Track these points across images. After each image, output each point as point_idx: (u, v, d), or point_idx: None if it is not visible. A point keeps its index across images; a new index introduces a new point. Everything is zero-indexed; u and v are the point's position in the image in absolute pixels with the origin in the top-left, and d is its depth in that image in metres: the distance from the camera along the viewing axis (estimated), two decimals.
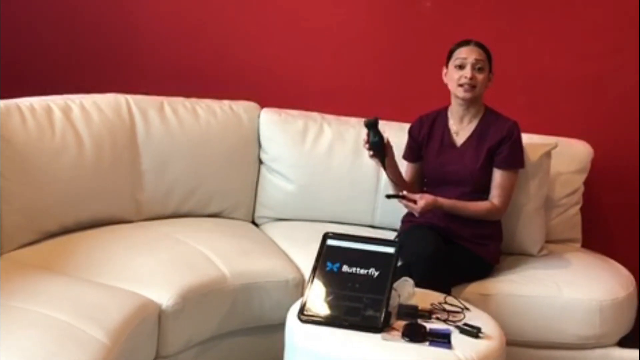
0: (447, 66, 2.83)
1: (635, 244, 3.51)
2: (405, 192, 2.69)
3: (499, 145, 2.79)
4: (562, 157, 3.11)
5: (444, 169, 2.85)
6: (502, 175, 2.80)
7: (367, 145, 2.69)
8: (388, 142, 2.72)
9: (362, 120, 3.23)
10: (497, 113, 2.86)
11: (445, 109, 2.91)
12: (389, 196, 2.70)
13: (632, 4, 3.42)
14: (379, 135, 2.67)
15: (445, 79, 2.84)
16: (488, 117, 2.85)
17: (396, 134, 2.97)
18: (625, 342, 2.81)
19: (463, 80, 2.74)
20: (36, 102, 2.77)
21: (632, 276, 2.95)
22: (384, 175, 3.01)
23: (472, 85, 2.74)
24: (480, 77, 2.75)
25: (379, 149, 2.68)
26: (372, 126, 2.67)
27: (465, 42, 2.80)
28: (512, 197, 2.85)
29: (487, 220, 2.82)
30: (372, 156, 2.70)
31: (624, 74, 3.48)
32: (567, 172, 3.20)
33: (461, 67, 2.75)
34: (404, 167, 2.95)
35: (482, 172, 2.81)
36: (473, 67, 2.74)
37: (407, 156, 2.97)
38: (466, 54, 2.76)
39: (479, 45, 2.78)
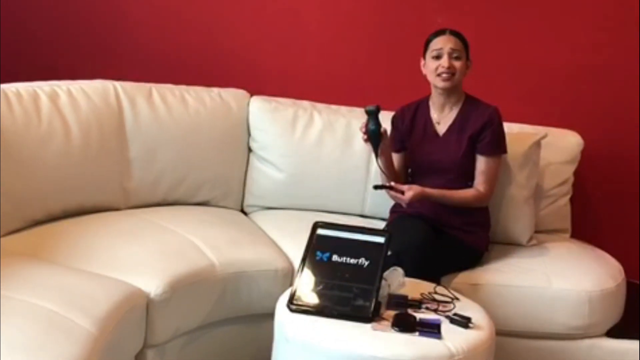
0: (424, 57, 2.84)
1: (624, 234, 3.52)
2: (393, 183, 2.68)
3: (481, 132, 2.79)
4: (552, 148, 3.12)
5: (428, 158, 2.85)
6: (486, 162, 2.80)
7: (364, 130, 2.68)
8: (385, 132, 2.71)
9: (352, 110, 3.26)
10: (477, 100, 2.87)
11: (426, 98, 2.91)
12: (376, 187, 2.70)
13: None
14: (378, 124, 2.66)
15: (424, 70, 2.84)
16: (468, 105, 2.85)
17: (387, 123, 2.95)
18: (614, 332, 2.82)
19: (440, 70, 2.76)
20: (22, 88, 2.74)
21: (620, 267, 2.96)
22: (374, 165, 3.00)
23: (450, 74, 2.75)
24: (457, 65, 2.76)
25: (376, 137, 2.67)
26: (372, 114, 2.65)
27: (441, 32, 2.80)
28: (497, 182, 2.85)
29: (474, 207, 2.82)
30: (366, 141, 2.69)
31: (616, 64, 3.48)
32: (557, 163, 3.20)
33: (438, 57, 2.77)
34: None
35: (466, 159, 2.81)
36: (450, 56, 2.75)
37: (391, 146, 2.96)
38: (442, 44, 2.77)
39: (454, 34, 2.78)
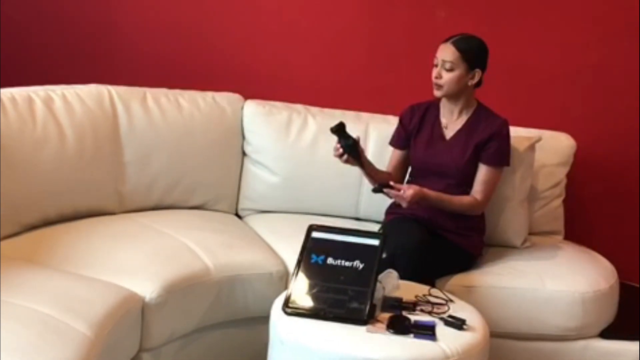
0: None
1: (617, 236, 3.54)
2: (392, 183, 2.69)
3: (487, 142, 2.80)
4: (545, 150, 3.12)
5: (431, 160, 2.85)
6: (487, 171, 2.81)
7: (340, 151, 2.63)
8: (358, 139, 2.67)
9: (346, 113, 3.26)
10: (488, 109, 2.87)
11: (438, 101, 2.91)
12: (375, 189, 2.67)
13: None
14: (351, 138, 2.62)
15: None
16: (479, 113, 2.86)
17: (380, 126, 2.97)
18: (607, 333, 2.83)
19: (433, 80, 2.78)
20: (17, 92, 2.74)
21: (613, 268, 2.97)
22: None
23: (438, 85, 2.77)
24: (447, 76, 2.75)
25: (354, 151, 2.64)
26: (339, 131, 2.61)
27: (446, 40, 2.80)
28: (494, 193, 2.85)
29: (469, 214, 2.83)
30: (346, 161, 2.66)
31: (608, 67, 3.50)
32: (550, 165, 3.21)
33: (436, 65, 2.79)
34: (390, 153, 2.96)
35: (468, 166, 2.82)
36: (441, 67, 2.76)
37: (394, 142, 2.97)
38: (438, 53, 2.78)
39: (455, 43, 2.76)
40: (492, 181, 2.82)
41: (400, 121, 2.97)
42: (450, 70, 2.75)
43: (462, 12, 3.47)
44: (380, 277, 2.29)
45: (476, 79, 2.80)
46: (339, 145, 2.64)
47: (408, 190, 2.64)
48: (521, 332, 2.75)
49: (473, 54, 2.77)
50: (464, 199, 2.79)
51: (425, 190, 2.69)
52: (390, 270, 2.36)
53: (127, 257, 2.50)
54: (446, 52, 2.76)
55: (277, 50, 3.54)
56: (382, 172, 2.89)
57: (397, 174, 2.94)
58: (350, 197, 3.19)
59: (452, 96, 2.81)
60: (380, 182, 2.70)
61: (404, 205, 2.66)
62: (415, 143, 2.91)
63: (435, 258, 2.64)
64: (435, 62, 2.78)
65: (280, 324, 2.19)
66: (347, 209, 3.21)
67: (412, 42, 3.49)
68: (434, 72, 2.77)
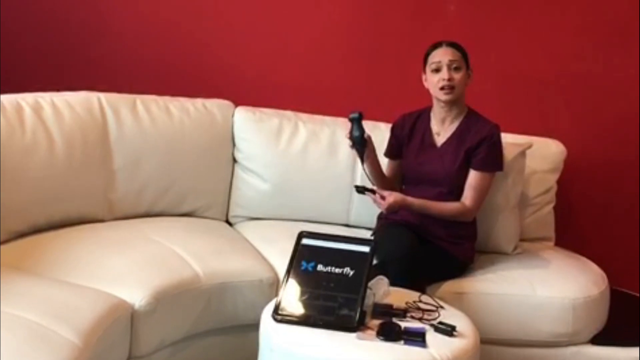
0: (424, 71, 2.83)
1: (607, 242, 3.55)
2: (375, 187, 2.69)
3: (477, 147, 2.79)
4: (535, 157, 3.13)
5: (423, 168, 2.85)
6: (477, 176, 2.80)
7: (348, 136, 2.73)
8: (369, 138, 2.75)
9: (336, 119, 3.28)
10: (478, 115, 2.86)
11: (429, 108, 2.91)
12: (358, 188, 2.71)
13: (606, 6, 3.46)
14: (361, 130, 2.71)
15: (426, 85, 2.83)
16: (469, 119, 2.85)
17: (370, 133, 2.96)
18: (598, 339, 2.84)
19: (442, 83, 2.74)
20: (6, 100, 2.73)
21: (604, 274, 2.98)
22: (358, 174, 3.05)
23: (451, 87, 2.75)
24: (457, 76, 2.75)
25: (360, 143, 2.71)
26: (356, 121, 2.72)
27: (438, 45, 2.80)
28: (484, 199, 2.84)
29: (459, 220, 2.82)
30: (351, 147, 2.74)
31: (597, 74, 3.52)
32: (541, 171, 3.22)
33: (437, 70, 2.76)
34: (385, 164, 2.96)
35: (460, 173, 2.81)
36: (449, 68, 2.74)
37: (388, 153, 2.98)
38: (440, 57, 2.76)
39: (452, 45, 2.78)
40: (482, 186, 2.81)
41: (392, 131, 2.97)
42: (458, 70, 2.75)
43: (454, 20, 3.48)
44: (370, 283, 2.28)
45: (471, 80, 2.81)
46: (349, 132, 2.73)
47: (389, 198, 2.66)
48: (512, 339, 2.75)
49: (467, 54, 2.80)
50: (449, 205, 2.78)
51: (408, 199, 2.70)
52: (381, 276, 2.36)
53: (116, 265, 2.49)
54: (450, 53, 2.75)
55: (267, 57, 3.54)
56: (384, 177, 2.90)
57: (395, 184, 2.94)
58: (341, 204, 3.19)
59: (456, 99, 2.79)
60: (365, 185, 2.75)
61: (383, 211, 2.70)
62: (407, 152, 2.91)
63: (426, 265, 2.65)
64: (435, 66, 2.76)
65: (270, 331, 2.18)
66: (337, 216, 3.21)
67: (403, 49, 3.49)
68: (441, 75, 2.74)
